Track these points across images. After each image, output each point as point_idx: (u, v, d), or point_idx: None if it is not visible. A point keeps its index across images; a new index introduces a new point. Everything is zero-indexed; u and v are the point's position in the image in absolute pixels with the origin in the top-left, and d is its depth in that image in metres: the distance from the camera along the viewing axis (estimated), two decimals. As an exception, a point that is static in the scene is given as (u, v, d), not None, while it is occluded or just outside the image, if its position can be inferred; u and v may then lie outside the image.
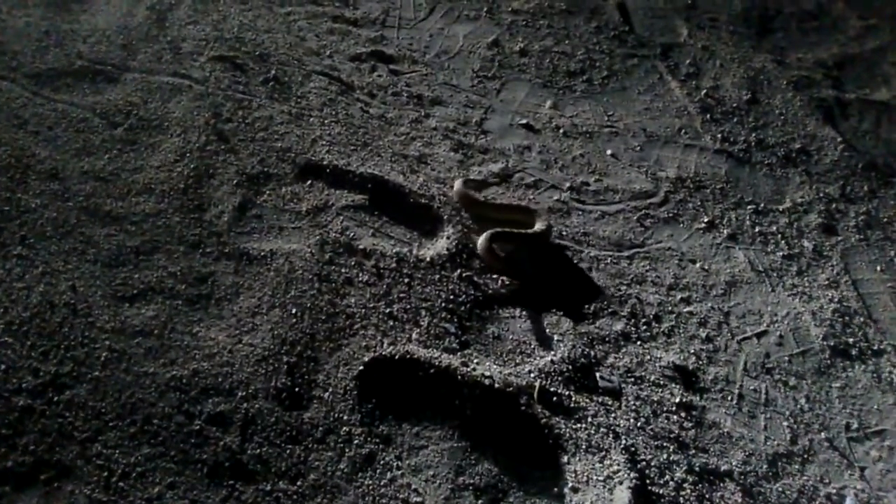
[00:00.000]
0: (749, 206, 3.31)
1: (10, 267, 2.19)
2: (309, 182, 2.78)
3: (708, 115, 3.82)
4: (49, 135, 2.68)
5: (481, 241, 2.65)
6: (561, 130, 3.54)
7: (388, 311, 2.34)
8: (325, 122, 3.11)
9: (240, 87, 3.14)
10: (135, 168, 2.63)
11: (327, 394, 2.08)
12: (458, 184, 2.92)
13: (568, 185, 3.20)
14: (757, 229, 3.20)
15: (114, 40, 3.23)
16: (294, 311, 2.26)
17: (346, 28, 3.87)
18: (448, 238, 2.65)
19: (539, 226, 2.78)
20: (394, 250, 2.56)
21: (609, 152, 3.46)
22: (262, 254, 2.42)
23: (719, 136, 3.69)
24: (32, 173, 2.50)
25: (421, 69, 3.76)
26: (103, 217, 2.43)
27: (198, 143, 2.79)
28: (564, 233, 2.93)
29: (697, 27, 4.51)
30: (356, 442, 1.98)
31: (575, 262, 2.84)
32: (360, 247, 2.54)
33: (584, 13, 4.48)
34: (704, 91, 3.99)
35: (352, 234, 2.59)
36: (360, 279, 2.44)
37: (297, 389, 2.07)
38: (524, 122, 3.55)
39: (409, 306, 2.39)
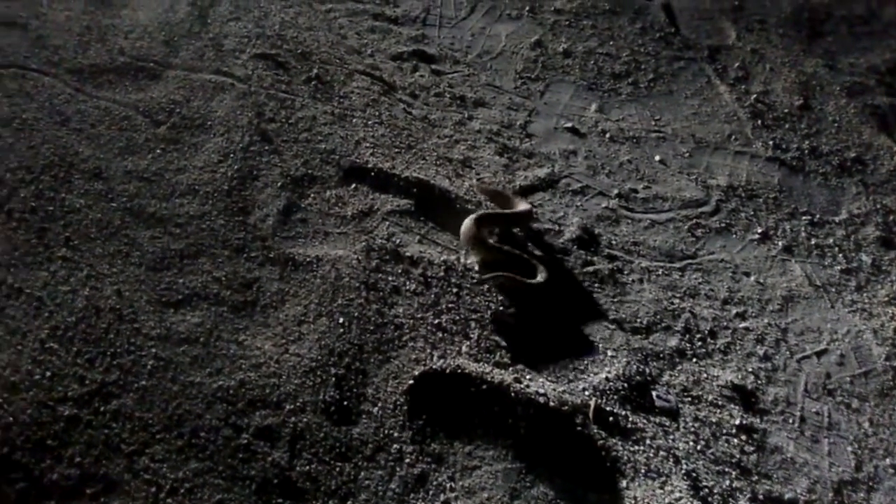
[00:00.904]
0: (804, 217, 3.19)
1: (54, 269, 2.14)
2: (353, 185, 2.71)
3: (759, 121, 3.69)
4: (92, 133, 2.63)
5: (466, 226, 2.52)
6: (607, 135, 3.44)
7: (436, 322, 2.27)
8: (369, 123, 3.04)
9: (282, 86, 3.08)
10: (178, 168, 2.58)
11: (377, 409, 2.00)
12: (468, 223, 2.59)
13: (616, 191, 3.11)
14: (813, 241, 3.08)
15: (155, 36, 3.18)
16: (341, 320, 2.19)
17: (386, 26, 3.80)
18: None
19: (523, 206, 2.68)
20: (441, 258, 2.48)
21: (657, 158, 3.35)
22: (308, 260, 2.36)
23: (771, 143, 3.57)
24: (76, 172, 2.45)
25: (463, 69, 3.68)
26: (147, 218, 2.37)
27: (241, 143, 2.72)
28: (613, 242, 2.83)
29: (746, 29, 4.38)
30: (407, 461, 1.91)
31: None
32: (407, 254, 2.47)
33: (628, 13, 4.36)
34: (754, 96, 3.86)
35: (398, 240, 2.52)
36: (408, 288, 2.36)
37: (345, 403, 2.00)
38: (569, 125, 3.46)
39: (458, 317, 2.31)
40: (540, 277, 2.44)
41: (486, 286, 2.43)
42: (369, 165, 2.78)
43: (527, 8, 4.24)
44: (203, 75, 3.01)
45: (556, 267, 2.66)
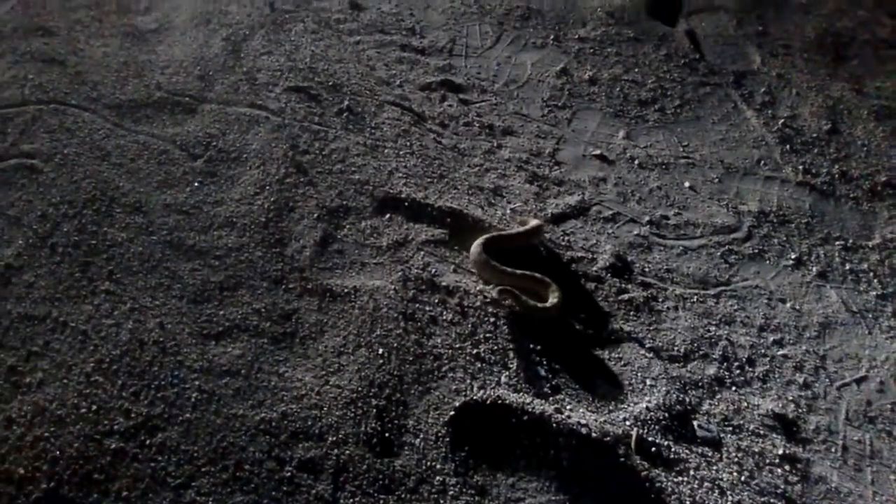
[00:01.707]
0: (837, 242, 3.17)
1: (98, 303, 2.17)
2: (388, 216, 2.73)
3: (787, 146, 3.68)
4: (132, 167, 2.68)
5: (474, 252, 2.53)
6: (636, 161, 3.45)
7: (475, 352, 2.27)
8: (401, 153, 3.07)
9: (315, 118, 3.12)
10: (216, 201, 2.61)
11: (418, 440, 2.00)
12: (475, 248, 2.57)
13: (647, 218, 3.10)
14: (847, 267, 3.05)
15: (191, 71, 3.24)
16: (381, 351, 2.19)
17: (414, 57, 3.85)
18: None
19: (534, 222, 2.71)
20: (477, 288, 2.49)
21: (687, 184, 3.35)
22: (346, 291, 2.37)
23: (801, 167, 3.56)
24: (117, 206, 2.50)
25: (490, 98, 3.71)
26: (187, 251, 2.40)
27: (277, 175, 2.76)
28: (647, 269, 2.82)
29: (770, 54, 4.39)
30: (451, 493, 1.90)
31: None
32: (443, 284, 2.48)
33: (652, 40, 4.39)
34: (782, 120, 3.86)
35: (433, 270, 2.53)
36: (445, 318, 2.37)
37: (387, 435, 2.00)
38: (597, 152, 3.47)
39: (496, 347, 2.30)
40: (552, 299, 2.43)
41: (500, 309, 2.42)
42: (402, 195, 2.80)
43: (551, 37, 4.28)
44: (238, 108, 3.06)
45: (589, 295, 2.66)
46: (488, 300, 2.41)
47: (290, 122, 3.05)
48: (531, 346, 2.35)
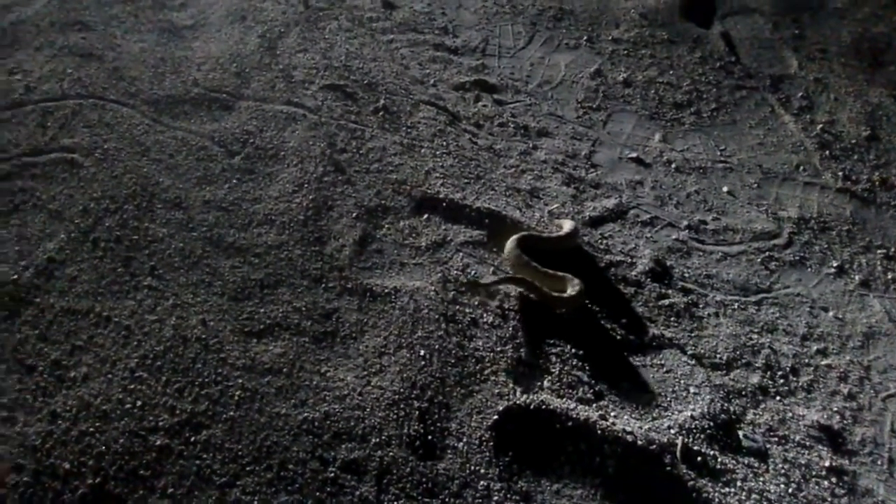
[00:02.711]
0: (879, 251, 3.11)
1: (141, 298, 2.16)
2: (426, 216, 2.70)
3: (826, 152, 3.63)
4: (171, 163, 2.68)
5: (508, 247, 2.54)
6: (673, 165, 3.40)
7: (516, 355, 2.24)
8: (437, 153, 3.05)
9: (352, 117, 3.11)
10: (254, 198, 2.60)
11: (461, 444, 1.97)
12: (510, 244, 2.57)
13: (685, 223, 3.06)
14: (890, 276, 3.00)
15: (227, 68, 3.24)
16: (422, 352, 2.17)
17: (447, 56, 3.82)
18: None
19: (567, 227, 2.69)
20: (516, 290, 2.46)
21: (725, 189, 3.30)
22: (386, 291, 2.35)
23: (840, 173, 3.50)
24: (158, 202, 2.49)
25: (525, 99, 3.68)
26: (227, 248, 2.39)
27: (315, 173, 2.75)
28: (686, 275, 2.78)
29: (807, 58, 4.33)
30: (495, 499, 1.87)
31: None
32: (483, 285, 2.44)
33: (686, 43, 4.34)
34: (820, 126, 3.80)
35: (473, 271, 2.50)
36: (486, 320, 2.34)
37: (430, 438, 1.97)
38: (634, 155, 3.43)
39: (538, 351, 2.27)
40: (571, 291, 2.40)
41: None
42: (440, 196, 2.78)
43: (584, 38, 4.24)
44: (275, 106, 3.05)
45: (629, 299, 2.62)
46: (476, 284, 2.41)
47: (326, 121, 3.03)
48: (572, 350, 2.31)
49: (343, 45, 3.60)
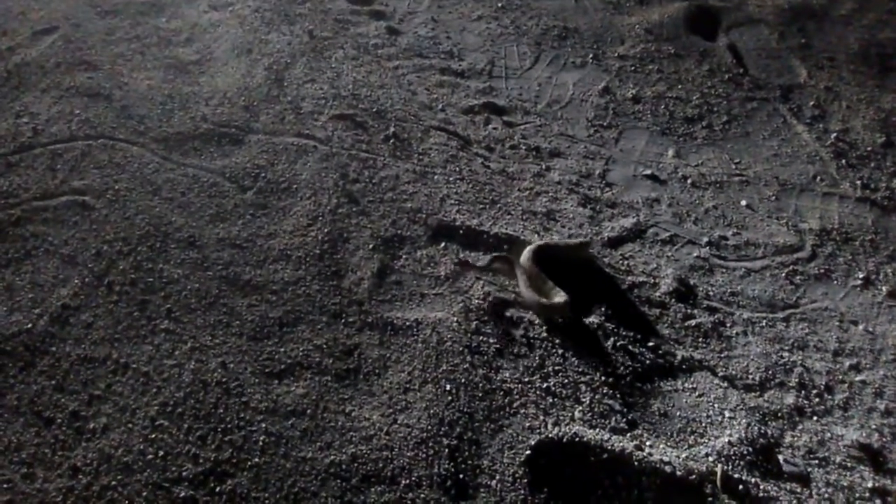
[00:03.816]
0: (904, 260, 3.04)
1: (158, 342, 2.11)
2: (443, 244, 2.66)
3: (843, 161, 3.57)
4: (183, 201, 2.64)
5: (525, 255, 2.55)
6: (688, 180, 3.35)
7: (545, 386, 2.18)
8: (450, 179, 3.01)
9: (363, 146, 3.08)
10: (269, 234, 2.56)
11: (495, 482, 1.91)
12: (526, 254, 2.59)
13: (706, 239, 3.00)
14: (918, 285, 2.93)
15: (235, 102, 3.22)
16: (448, 387, 2.11)
17: (454, 80, 3.80)
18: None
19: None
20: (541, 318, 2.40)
21: (743, 203, 3.25)
22: (407, 324, 2.30)
23: (858, 182, 3.44)
24: (171, 242, 2.45)
25: (534, 120, 3.65)
26: (243, 286, 2.35)
27: (329, 205, 2.71)
28: (711, 293, 2.72)
29: (816, 67, 4.29)
30: (534, 538, 1.80)
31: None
32: (506, 314, 2.39)
33: (693, 56, 4.31)
34: (834, 134, 3.75)
35: (495, 299, 2.45)
36: (511, 350, 2.28)
37: (461, 476, 1.91)
38: (648, 172, 3.38)
39: (566, 380, 2.21)
40: (558, 299, 2.41)
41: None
42: (457, 223, 2.73)
43: (590, 55, 4.22)
44: (285, 139, 3.02)
45: (655, 322, 2.56)
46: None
47: (338, 151, 3.00)
48: (602, 378, 2.25)
49: (350, 74, 3.58)
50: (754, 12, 4.75)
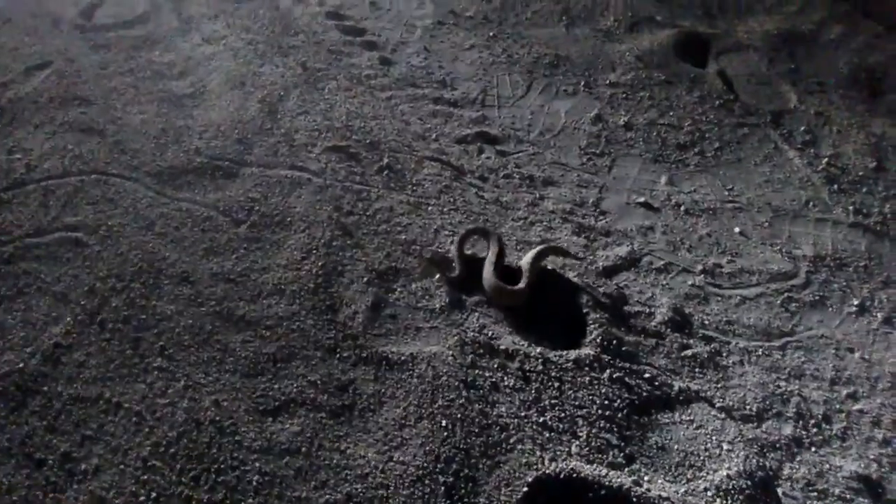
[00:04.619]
0: (898, 285, 3.05)
1: (151, 381, 2.09)
2: (438, 276, 2.65)
3: (835, 186, 3.59)
4: (176, 235, 2.64)
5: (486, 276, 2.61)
6: (682, 208, 3.36)
7: (541, 420, 2.16)
8: (444, 210, 3.01)
9: (357, 178, 3.08)
10: (263, 268, 2.55)
11: (492, 520, 1.88)
12: (488, 273, 2.62)
13: (700, 267, 3.00)
14: (912, 311, 2.93)
15: (229, 135, 3.23)
16: (444, 423, 2.10)
17: (447, 110, 3.82)
18: (590, 332, 2.47)
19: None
20: (537, 350, 2.39)
21: (737, 230, 3.26)
22: (402, 358, 2.29)
23: (851, 208, 3.46)
24: (165, 277, 2.44)
25: (528, 148, 3.66)
26: (237, 322, 2.33)
27: (323, 238, 2.70)
28: (707, 322, 2.72)
29: (806, 92, 4.33)
30: (532, 579, 1.77)
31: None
32: (502, 347, 2.38)
33: (684, 83, 4.34)
34: (826, 159, 3.77)
35: (490, 332, 2.44)
36: (507, 384, 2.27)
37: (458, 515, 1.89)
38: (642, 200, 3.39)
39: (563, 414, 2.20)
40: (521, 284, 2.53)
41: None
42: (450, 254, 2.73)
43: (581, 83, 4.25)
44: (279, 171, 3.03)
45: (651, 352, 2.55)
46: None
47: (331, 183, 3.00)
48: (599, 411, 2.24)
49: (343, 105, 3.59)
50: (743, 38, 4.80)
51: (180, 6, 4.31)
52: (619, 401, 2.30)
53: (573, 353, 2.39)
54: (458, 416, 2.11)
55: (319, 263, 2.58)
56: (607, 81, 4.32)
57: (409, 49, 4.31)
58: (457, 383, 2.21)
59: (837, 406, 2.49)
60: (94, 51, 3.80)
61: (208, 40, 3.99)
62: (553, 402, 2.23)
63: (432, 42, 4.44)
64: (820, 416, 2.44)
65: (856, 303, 2.95)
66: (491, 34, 4.61)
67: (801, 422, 2.40)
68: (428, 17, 4.64)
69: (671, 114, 4.06)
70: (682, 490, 2.01)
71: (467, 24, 4.63)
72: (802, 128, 4.04)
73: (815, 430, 2.38)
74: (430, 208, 3.00)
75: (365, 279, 2.55)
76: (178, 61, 3.78)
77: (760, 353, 2.65)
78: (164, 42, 3.96)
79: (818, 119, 4.12)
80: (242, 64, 3.78)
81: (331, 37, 4.27)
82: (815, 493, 2.16)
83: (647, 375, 2.43)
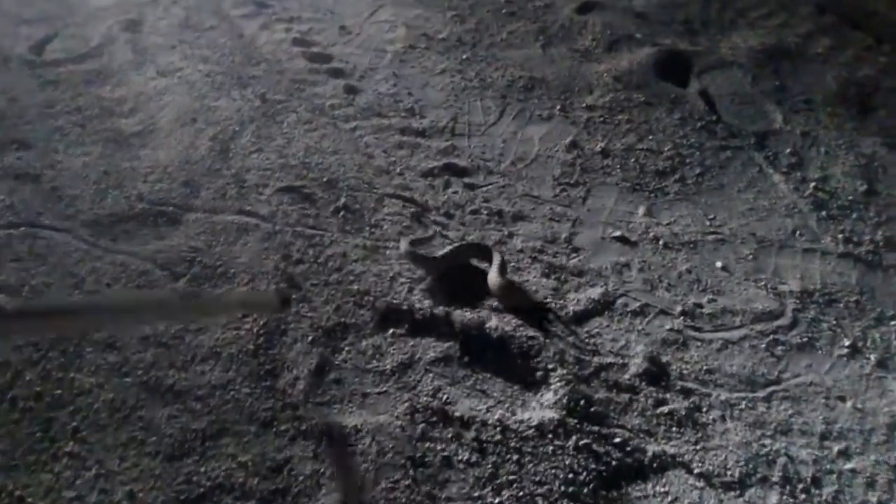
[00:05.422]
0: (892, 322, 2.84)
1: (59, 470, 1.88)
2: (391, 331, 2.45)
3: (823, 212, 3.39)
4: (107, 294, 2.43)
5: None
6: (660, 241, 3.16)
7: (496, 501, 1.95)
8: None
9: (309, 221, 2.88)
10: (198, 328, 2.35)
11: None
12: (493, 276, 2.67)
13: (679, 308, 2.80)
14: (908, 351, 2.71)
15: (175, 177, 3.03)
16: (387, 508, 1.88)
17: (414, 140, 3.62)
18: (555, 392, 2.26)
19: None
20: (495, 417, 2.18)
21: (719, 265, 3.05)
22: (345, 431, 2.07)
23: (840, 236, 3.25)
24: (87, 344, 2.24)
25: (498, 180, 3.46)
26: (164, 393, 2.13)
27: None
28: (685, 372, 2.51)
29: (792, 111, 4.13)
30: None
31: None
32: (457, 414, 2.18)
33: (664, 104, 4.15)
34: (813, 184, 3.57)
35: (445, 395, 2.23)
36: (461, 457, 2.06)
37: None
38: (617, 234, 3.18)
39: (521, 493, 1.98)
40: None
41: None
42: (405, 307, 2.52)
43: (557, 107, 4.05)
44: (225, 217, 2.83)
45: (623, 410, 2.34)
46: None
47: (281, 228, 2.80)
48: (562, 487, 2.02)
49: (301, 140, 3.40)
50: (727, 55, 4.61)
51: (136, 38, 4.13)
52: (584, 473, 2.08)
53: (535, 419, 2.18)
54: (403, 500, 1.90)
55: (260, 321, 2.38)
56: (584, 104, 4.13)
57: (377, 76, 4.13)
58: (403, 461, 1.99)
59: (828, 466, 2.27)
60: (41, 88, 3.61)
61: (163, 73, 3.81)
62: (511, 478, 2.02)
63: (402, 67, 4.25)
64: (809, 480, 2.22)
65: (847, 343, 2.74)
66: (464, 57, 4.42)
67: (787, 487, 2.18)
68: (399, 42, 4.45)
69: (650, 138, 3.86)
70: (653, 581, 1.79)
71: (440, 48, 4.45)
72: (788, 149, 3.84)
73: (803, 496, 2.17)
74: (387, 252, 2.80)
75: (310, 338, 2.35)
76: (129, 97, 3.60)
77: (744, 405, 2.44)
78: (117, 76, 3.77)
79: (805, 140, 3.92)
80: (196, 98, 3.59)
81: (295, 65, 4.09)
82: (804, 575, 1.93)
83: (617, 440, 2.21)
